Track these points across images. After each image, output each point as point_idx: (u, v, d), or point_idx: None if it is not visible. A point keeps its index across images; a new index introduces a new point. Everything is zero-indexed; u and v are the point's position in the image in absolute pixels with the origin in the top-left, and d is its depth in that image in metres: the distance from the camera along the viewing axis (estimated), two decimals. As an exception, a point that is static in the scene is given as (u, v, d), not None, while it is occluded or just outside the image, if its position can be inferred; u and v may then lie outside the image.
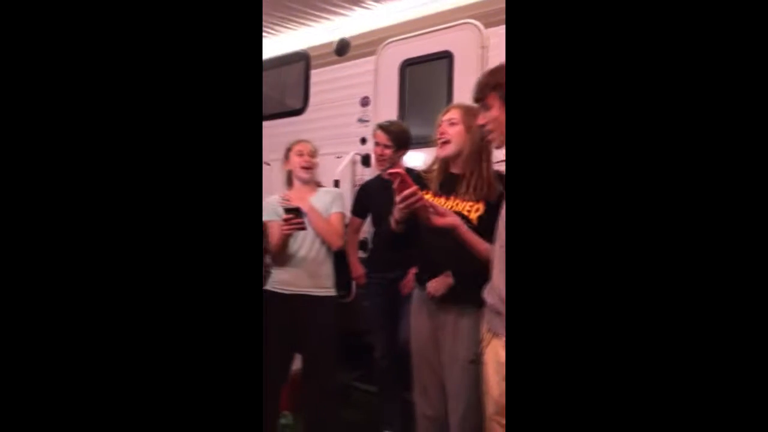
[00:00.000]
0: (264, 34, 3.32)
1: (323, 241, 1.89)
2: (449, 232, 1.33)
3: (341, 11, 2.96)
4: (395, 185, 1.29)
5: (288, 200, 1.83)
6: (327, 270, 1.92)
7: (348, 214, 2.15)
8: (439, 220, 1.32)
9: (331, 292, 1.92)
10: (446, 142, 1.48)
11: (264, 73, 3.51)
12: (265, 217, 1.92)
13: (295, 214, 1.75)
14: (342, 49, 3.03)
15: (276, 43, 3.38)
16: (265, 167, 3.29)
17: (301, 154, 1.94)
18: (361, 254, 2.48)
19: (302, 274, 1.87)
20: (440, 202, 1.45)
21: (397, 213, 1.37)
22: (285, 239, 1.81)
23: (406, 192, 1.27)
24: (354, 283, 2.53)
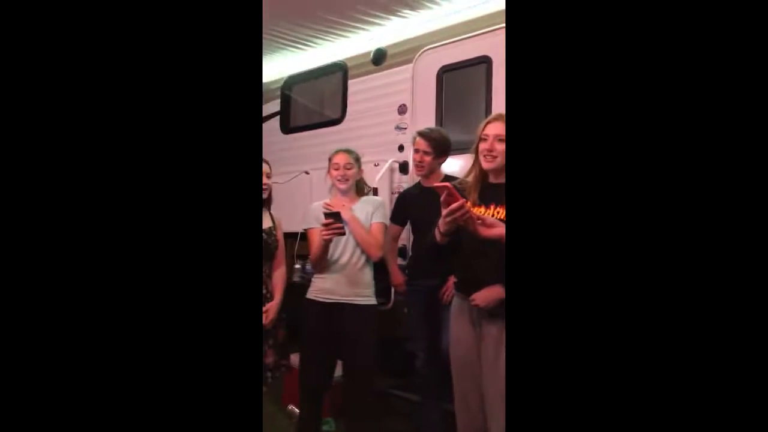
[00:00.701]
0: (302, 47, 3.41)
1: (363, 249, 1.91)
2: (496, 242, 1.32)
3: (378, 21, 2.99)
4: (442, 198, 1.29)
5: (329, 206, 1.85)
6: (367, 278, 1.93)
7: (389, 223, 2.16)
8: (487, 231, 1.32)
9: (372, 300, 1.93)
10: (495, 157, 1.46)
11: (302, 85, 3.61)
12: (305, 225, 1.95)
13: (334, 218, 1.75)
14: (379, 58, 3.06)
15: (314, 56, 3.45)
16: (304, 176, 3.37)
17: (337, 168, 1.95)
18: (400, 261, 2.48)
19: (342, 281, 1.88)
20: (480, 212, 1.44)
21: (443, 226, 1.37)
22: (325, 245, 1.83)
23: (454, 205, 1.28)
24: (393, 291, 2.53)
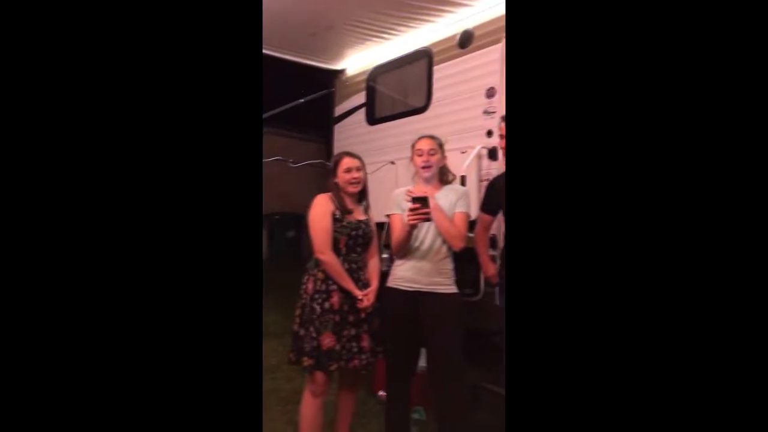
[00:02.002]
0: (387, 36, 3.40)
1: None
2: None
3: (465, 2, 2.88)
4: None
5: (413, 193, 1.82)
6: (448, 266, 1.89)
7: (473, 213, 2.08)
8: None
9: (453, 289, 1.88)
10: None
11: (387, 75, 3.61)
12: (388, 211, 1.95)
13: (422, 203, 1.71)
14: (465, 40, 2.95)
15: (399, 45, 3.43)
16: (389, 167, 3.38)
17: (420, 154, 1.92)
18: (491, 252, 2.39)
19: (423, 270, 1.86)
20: None
21: None
22: (409, 230, 1.81)
23: None
24: (482, 282, 2.45)
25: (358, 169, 1.94)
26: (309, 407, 1.86)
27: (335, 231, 1.88)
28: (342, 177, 1.94)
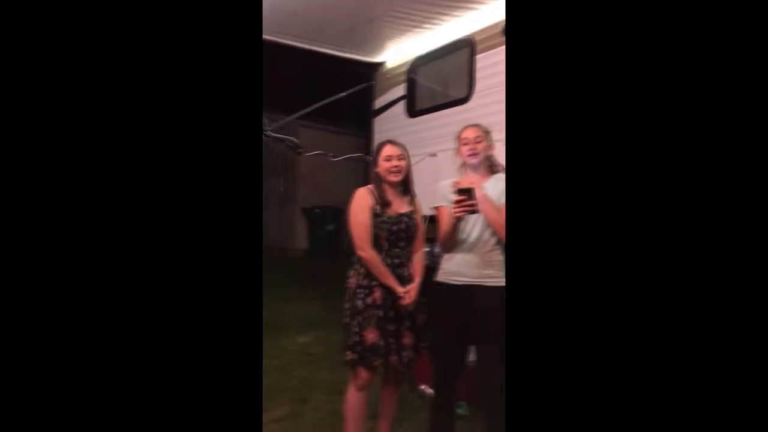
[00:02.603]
0: (428, 26, 3.34)
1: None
2: None
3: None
4: None
5: (459, 184, 1.78)
6: (498, 257, 1.84)
7: None
8: None
9: (502, 282, 1.84)
10: None
11: (428, 66, 3.56)
12: (434, 203, 1.92)
13: (467, 195, 1.67)
14: (509, 28, 2.86)
15: (439, 35, 3.37)
16: (429, 159, 3.34)
17: (466, 143, 1.88)
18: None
19: (472, 262, 1.82)
20: None
21: None
22: (455, 223, 1.77)
23: None
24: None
25: (399, 158, 1.88)
26: (353, 400, 1.88)
27: (375, 226, 1.85)
28: (382, 165, 1.89)
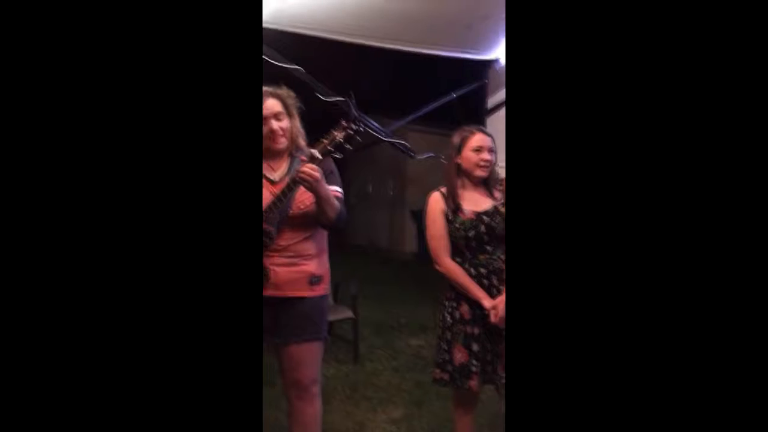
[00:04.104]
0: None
1: None
2: None
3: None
4: None
5: None
6: None
7: None
8: None
9: None
10: None
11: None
12: None
13: None
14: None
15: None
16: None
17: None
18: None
19: None
20: None
21: None
22: None
23: None
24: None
25: (490, 151, 1.63)
26: (460, 423, 1.74)
27: (450, 234, 1.61)
28: (468, 157, 1.62)
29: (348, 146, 1.37)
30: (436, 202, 1.66)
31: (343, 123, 1.37)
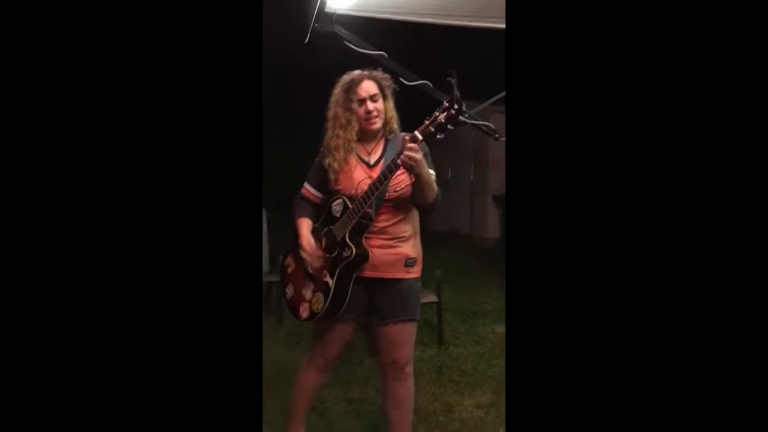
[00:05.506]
0: None
1: None
2: None
3: None
4: None
5: None
6: None
7: None
8: None
9: None
10: None
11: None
12: None
13: None
14: None
15: None
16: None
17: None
18: None
19: None
20: None
21: None
22: None
23: None
24: None
25: None
26: None
27: None
28: None
29: (450, 126, 1.35)
30: None
31: (446, 103, 1.36)
